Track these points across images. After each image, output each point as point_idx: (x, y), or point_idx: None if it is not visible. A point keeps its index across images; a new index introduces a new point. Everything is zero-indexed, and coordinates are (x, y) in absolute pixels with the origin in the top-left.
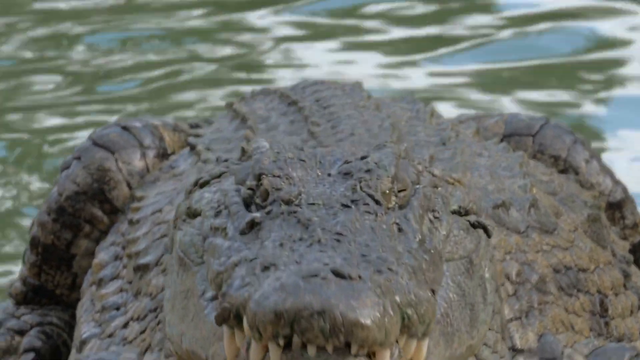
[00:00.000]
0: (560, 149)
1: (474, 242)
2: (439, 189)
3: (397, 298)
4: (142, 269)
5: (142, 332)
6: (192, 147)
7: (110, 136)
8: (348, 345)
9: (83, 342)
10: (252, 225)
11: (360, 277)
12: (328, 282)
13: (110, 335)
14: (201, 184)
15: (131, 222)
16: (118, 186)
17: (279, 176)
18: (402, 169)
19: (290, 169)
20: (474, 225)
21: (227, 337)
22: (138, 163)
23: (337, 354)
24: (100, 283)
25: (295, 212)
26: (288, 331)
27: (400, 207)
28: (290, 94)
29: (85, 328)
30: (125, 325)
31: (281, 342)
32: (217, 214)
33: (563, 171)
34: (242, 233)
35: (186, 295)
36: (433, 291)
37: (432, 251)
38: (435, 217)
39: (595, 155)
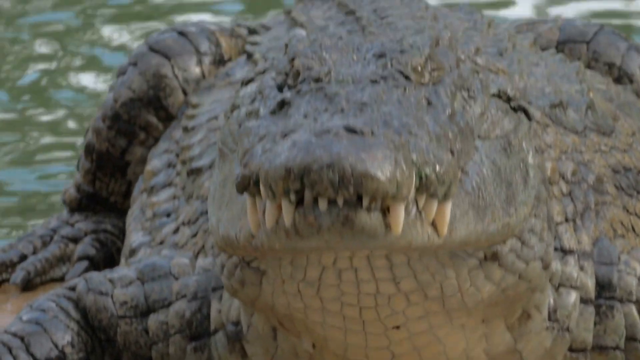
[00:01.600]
0: (614, 55)
1: (513, 123)
2: (480, 75)
3: (414, 156)
4: (195, 173)
5: (194, 235)
6: (249, 56)
7: (167, 42)
8: (360, 199)
9: (133, 251)
10: (283, 104)
11: (373, 133)
12: (339, 137)
13: (160, 242)
14: (246, 82)
15: (186, 130)
16: (174, 93)
17: (312, 58)
18: (440, 53)
19: (324, 52)
20: (515, 109)
21: (250, 205)
22: (194, 69)
23: (349, 208)
24: (151, 190)
25: (323, 87)
26: (298, 185)
27: (434, 85)
28: (349, 3)
29: (134, 237)
30: (176, 231)
31: (292, 197)
32: (253, 101)
33: (617, 79)
34: (273, 113)
35: (224, 183)
36: (453, 153)
37: (462, 124)
38: (470, 97)
39: None
